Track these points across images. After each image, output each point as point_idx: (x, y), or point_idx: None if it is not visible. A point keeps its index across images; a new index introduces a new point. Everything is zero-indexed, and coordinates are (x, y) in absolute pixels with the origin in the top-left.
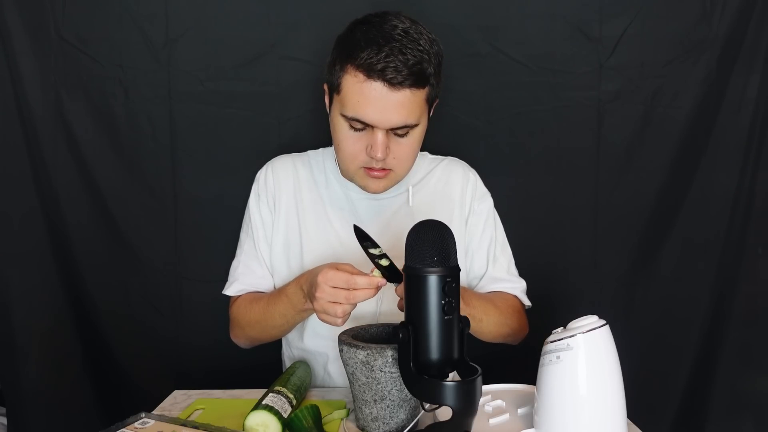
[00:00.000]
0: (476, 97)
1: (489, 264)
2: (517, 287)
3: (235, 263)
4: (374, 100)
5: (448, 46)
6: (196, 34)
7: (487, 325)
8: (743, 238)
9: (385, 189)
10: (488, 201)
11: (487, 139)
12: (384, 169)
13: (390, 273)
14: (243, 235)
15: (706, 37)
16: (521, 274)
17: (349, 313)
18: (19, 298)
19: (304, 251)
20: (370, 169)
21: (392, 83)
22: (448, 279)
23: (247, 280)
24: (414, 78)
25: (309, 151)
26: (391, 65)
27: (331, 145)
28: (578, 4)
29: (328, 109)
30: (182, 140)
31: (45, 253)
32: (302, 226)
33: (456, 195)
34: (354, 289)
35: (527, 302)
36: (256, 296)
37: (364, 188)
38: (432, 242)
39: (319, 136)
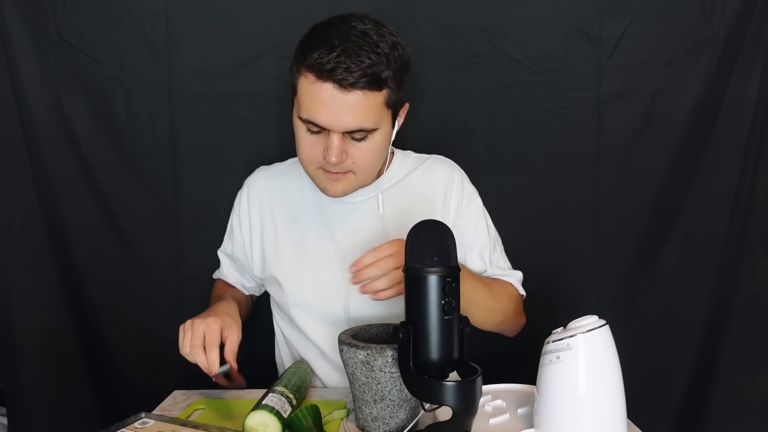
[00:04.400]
0: (476, 97)
1: (486, 265)
2: (513, 278)
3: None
4: (326, 102)
5: (448, 46)
6: (196, 34)
7: (477, 307)
8: (743, 238)
9: (344, 192)
10: (477, 201)
11: (487, 139)
12: (341, 171)
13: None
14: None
15: (706, 37)
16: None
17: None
18: (19, 298)
19: (281, 261)
20: (328, 170)
21: (342, 84)
22: (448, 279)
23: (221, 271)
24: (367, 80)
25: (289, 159)
26: (341, 66)
27: None
28: (578, 4)
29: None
30: (182, 140)
31: (45, 253)
32: (278, 239)
33: (437, 196)
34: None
35: (522, 291)
36: (216, 294)
37: (323, 191)
38: (432, 242)
39: None
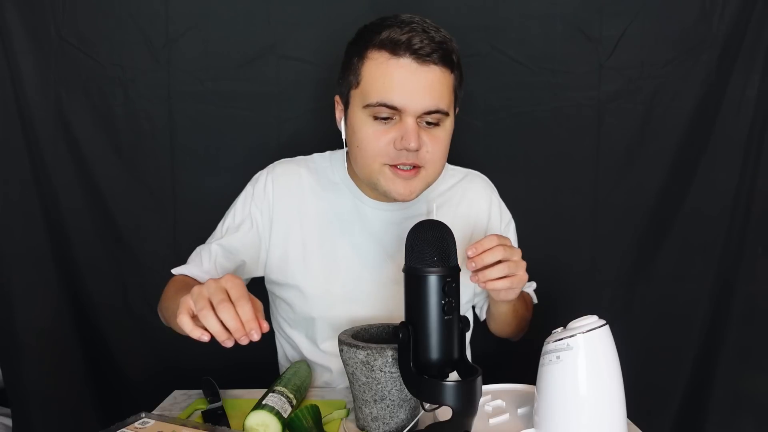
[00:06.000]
0: (476, 97)
1: None
2: (530, 288)
3: (197, 248)
4: (402, 80)
5: None
6: (196, 34)
7: (516, 317)
8: (743, 238)
9: (415, 193)
10: (512, 225)
11: (487, 139)
12: (415, 166)
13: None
14: (218, 226)
15: (705, 37)
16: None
17: (203, 330)
18: (19, 298)
19: (307, 267)
20: (397, 167)
21: (420, 56)
22: (448, 279)
23: (191, 268)
24: (442, 53)
25: (315, 155)
26: (416, 38)
27: (339, 148)
28: (578, 4)
29: (339, 125)
30: (182, 140)
31: (45, 253)
32: (306, 241)
33: (479, 216)
34: (233, 304)
35: (536, 300)
36: (185, 280)
37: (390, 193)
38: (432, 242)
39: (320, 136)
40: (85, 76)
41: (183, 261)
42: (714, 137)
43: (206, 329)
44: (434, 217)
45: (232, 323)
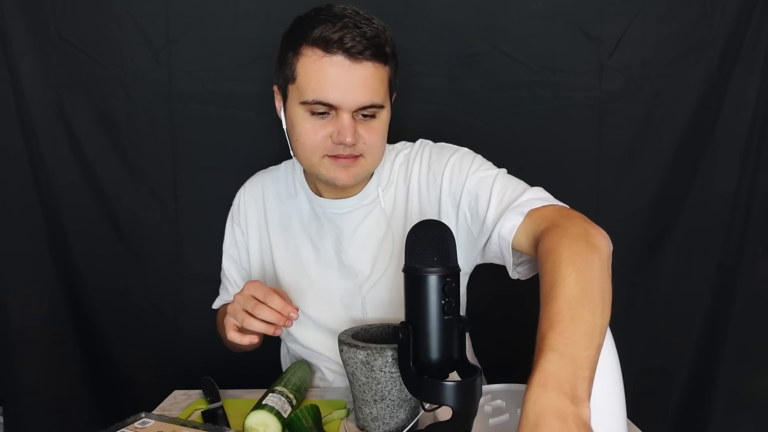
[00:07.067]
0: (476, 97)
1: (490, 204)
2: (533, 198)
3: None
4: (336, 77)
5: (448, 46)
6: (196, 34)
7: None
8: (743, 238)
9: (356, 179)
10: (445, 171)
11: (487, 139)
12: (353, 155)
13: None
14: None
15: (706, 37)
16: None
17: (251, 335)
18: (18, 297)
19: (278, 271)
20: (336, 156)
21: (352, 53)
22: (448, 279)
23: (223, 296)
24: (374, 49)
25: (283, 163)
26: (348, 35)
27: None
28: (579, 4)
29: (279, 114)
30: (182, 140)
31: (44, 253)
32: (273, 247)
33: (417, 195)
34: (264, 303)
35: (557, 201)
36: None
37: (332, 180)
38: (432, 242)
39: None
40: (85, 77)
41: (184, 261)
42: (714, 137)
43: (254, 333)
44: (382, 202)
45: (271, 317)
